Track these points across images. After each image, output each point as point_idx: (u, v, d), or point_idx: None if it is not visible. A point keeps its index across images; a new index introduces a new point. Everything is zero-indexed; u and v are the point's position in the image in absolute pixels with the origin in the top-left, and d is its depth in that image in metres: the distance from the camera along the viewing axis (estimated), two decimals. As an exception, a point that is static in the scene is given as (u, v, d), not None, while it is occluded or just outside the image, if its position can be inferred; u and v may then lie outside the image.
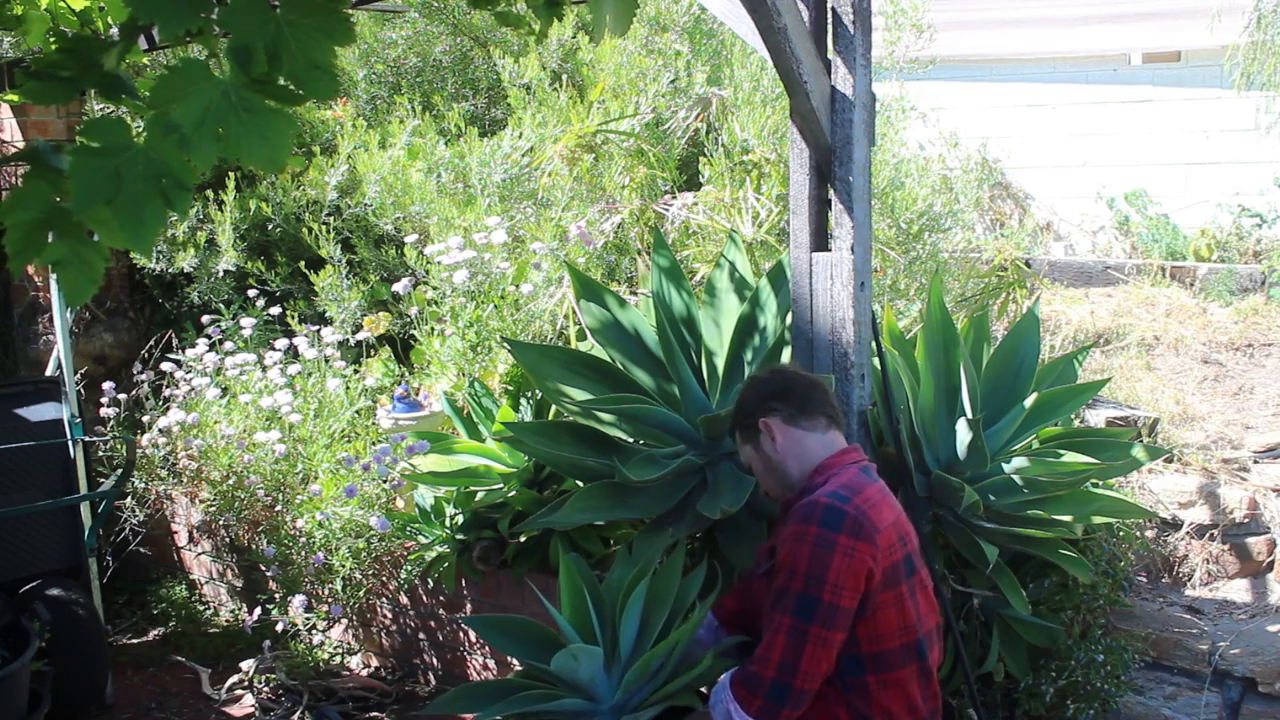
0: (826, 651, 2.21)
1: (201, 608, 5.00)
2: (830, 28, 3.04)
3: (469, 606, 4.05)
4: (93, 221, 1.31)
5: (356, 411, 4.57)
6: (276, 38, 1.31)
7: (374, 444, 4.24)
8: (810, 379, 2.55)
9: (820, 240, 3.13)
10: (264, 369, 4.68)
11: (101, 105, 5.11)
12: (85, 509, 4.34)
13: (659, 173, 4.65)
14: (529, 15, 2.13)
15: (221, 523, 4.74)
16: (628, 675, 2.69)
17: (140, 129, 1.36)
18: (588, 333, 3.45)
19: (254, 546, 4.54)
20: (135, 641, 4.85)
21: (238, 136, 1.30)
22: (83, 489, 4.34)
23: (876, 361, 3.19)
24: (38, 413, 4.30)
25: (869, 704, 2.27)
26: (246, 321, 4.89)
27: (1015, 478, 3.25)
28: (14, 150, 5.44)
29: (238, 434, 4.52)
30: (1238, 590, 3.87)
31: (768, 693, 2.21)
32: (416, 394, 4.43)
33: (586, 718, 2.72)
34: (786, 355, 3.27)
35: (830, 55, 3.04)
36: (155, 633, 4.91)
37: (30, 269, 5.38)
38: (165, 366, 4.97)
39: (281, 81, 1.33)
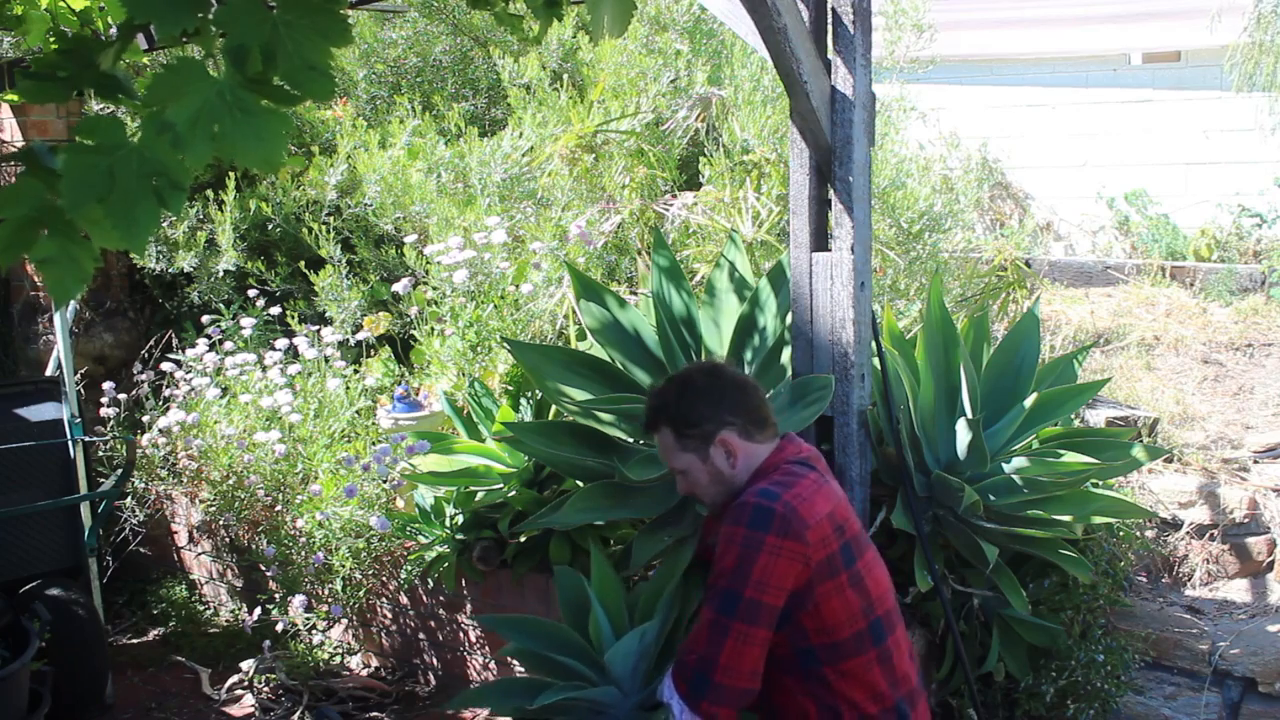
0: (749, 648, 2.20)
1: (201, 608, 5.00)
2: (830, 28, 3.04)
3: (469, 606, 4.05)
4: (85, 220, 1.31)
5: (356, 411, 4.57)
6: (272, 38, 1.31)
7: (374, 444, 4.24)
8: (753, 384, 2.49)
9: (820, 240, 3.13)
10: (264, 369, 4.68)
11: (101, 105, 5.12)
12: (85, 509, 4.34)
13: (659, 173, 4.65)
14: (528, 16, 2.12)
15: (221, 523, 4.74)
16: (664, 666, 2.72)
17: (136, 128, 1.36)
18: (588, 333, 3.45)
19: (254, 546, 4.54)
20: (135, 641, 4.85)
21: (232, 136, 1.30)
22: (83, 489, 4.34)
23: (876, 361, 3.19)
24: (38, 413, 4.30)
25: (832, 694, 2.27)
26: (246, 321, 4.89)
27: (1015, 478, 3.25)
28: (14, 150, 5.44)
29: (238, 434, 4.52)
30: (1238, 590, 3.87)
31: (690, 680, 2.24)
32: (416, 394, 4.43)
33: (612, 710, 2.75)
34: (786, 355, 3.27)
35: (830, 55, 3.04)
36: (155, 633, 4.91)
37: (30, 268, 5.39)
38: (165, 366, 4.96)
39: (277, 82, 1.33)
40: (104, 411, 4.95)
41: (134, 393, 5.13)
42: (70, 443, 4.32)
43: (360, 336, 4.83)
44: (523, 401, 3.84)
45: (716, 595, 2.24)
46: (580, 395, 3.31)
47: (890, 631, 2.33)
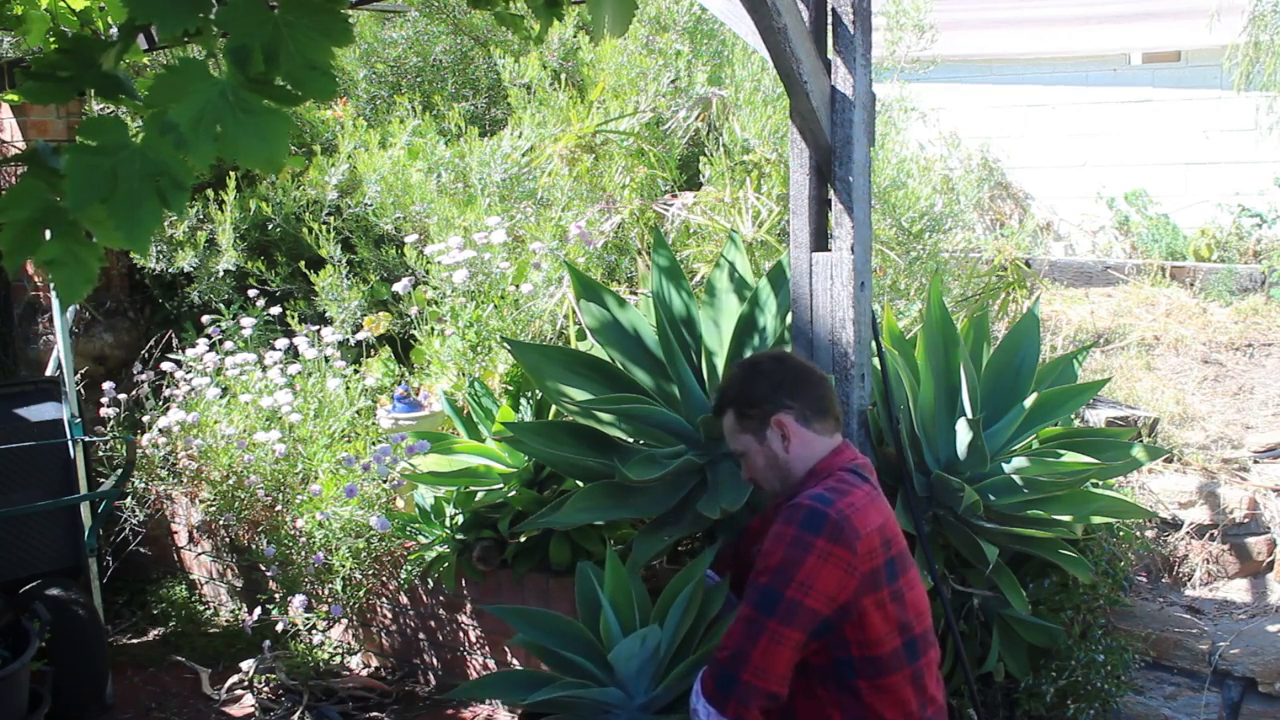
0: (781, 649, 2.17)
1: (201, 608, 5.00)
2: (830, 28, 3.04)
3: (469, 606, 4.05)
4: (89, 220, 1.31)
5: (356, 411, 4.57)
6: (274, 38, 1.31)
7: (374, 444, 4.24)
8: (820, 374, 2.50)
9: (820, 240, 3.13)
10: (264, 369, 4.68)
11: (102, 105, 5.12)
12: (85, 509, 4.34)
13: (659, 173, 4.65)
14: (529, 16, 2.12)
15: (221, 523, 4.74)
16: (675, 670, 2.72)
17: (138, 128, 1.36)
18: (588, 333, 3.45)
19: (254, 546, 4.54)
20: (135, 641, 4.85)
21: (235, 136, 1.30)
22: (83, 489, 4.34)
23: (876, 361, 3.19)
24: (38, 413, 4.30)
25: (862, 708, 2.25)
26: (246, 321, 4.89)
27: (1015, 478, 3.25)
28: (14, 150, 5.44)
29: (238, 434, 4.52)
30: (1238, 590, 3.87)
31: (718, 680, 2.21)
32: (416, 394, 4.43)
33: (616, 711, 2.75)
34: (786, 355, 3.27)
35: (830, 55, 3.04)
36: (155, 633, 4.91)
37: (30, 269, 5.39)
38: (165, 366, 4.96)
39: (279, 82, 1.33)
40: (104, 411, 4.95)
41: (134, 393, 5.13)
42: (70, 443, 4.31)
43: (360, 336, 4.83)
44: (523, 401, 3.84)
45: (756, 592, 2.22)
46: (580, 395, 3.32)
47: (924, 653, 2.33)
